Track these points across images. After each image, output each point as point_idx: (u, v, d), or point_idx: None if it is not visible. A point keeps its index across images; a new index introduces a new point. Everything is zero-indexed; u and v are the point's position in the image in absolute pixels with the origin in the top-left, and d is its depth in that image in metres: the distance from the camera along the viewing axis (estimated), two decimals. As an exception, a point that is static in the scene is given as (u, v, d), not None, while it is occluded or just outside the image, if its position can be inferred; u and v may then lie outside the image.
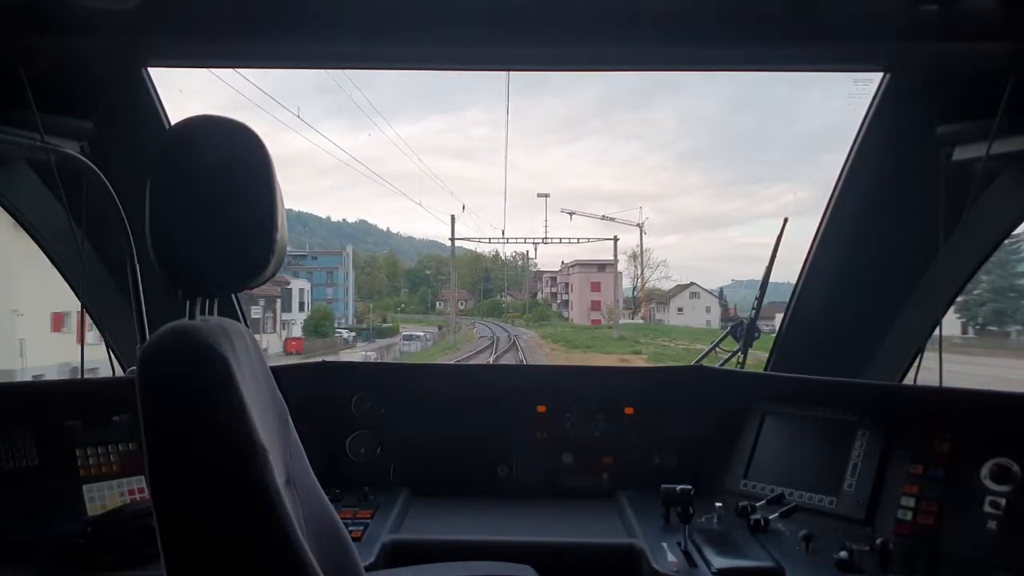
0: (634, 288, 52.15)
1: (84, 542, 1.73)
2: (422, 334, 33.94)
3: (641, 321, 45.80)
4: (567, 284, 58.28)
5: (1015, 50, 1.88)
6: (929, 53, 2.00)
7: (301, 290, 33.17)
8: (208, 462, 1.07)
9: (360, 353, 25.30)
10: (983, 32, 1.85)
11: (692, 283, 49.30)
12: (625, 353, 25.15)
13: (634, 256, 50.08)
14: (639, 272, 51.17)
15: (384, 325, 38.74)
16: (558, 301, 62.55)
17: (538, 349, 27.05)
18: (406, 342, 30.86)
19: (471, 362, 24.69)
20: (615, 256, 44.97)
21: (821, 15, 1.88)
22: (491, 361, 25.32)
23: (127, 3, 1.71)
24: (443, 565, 1.84)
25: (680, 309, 48.04)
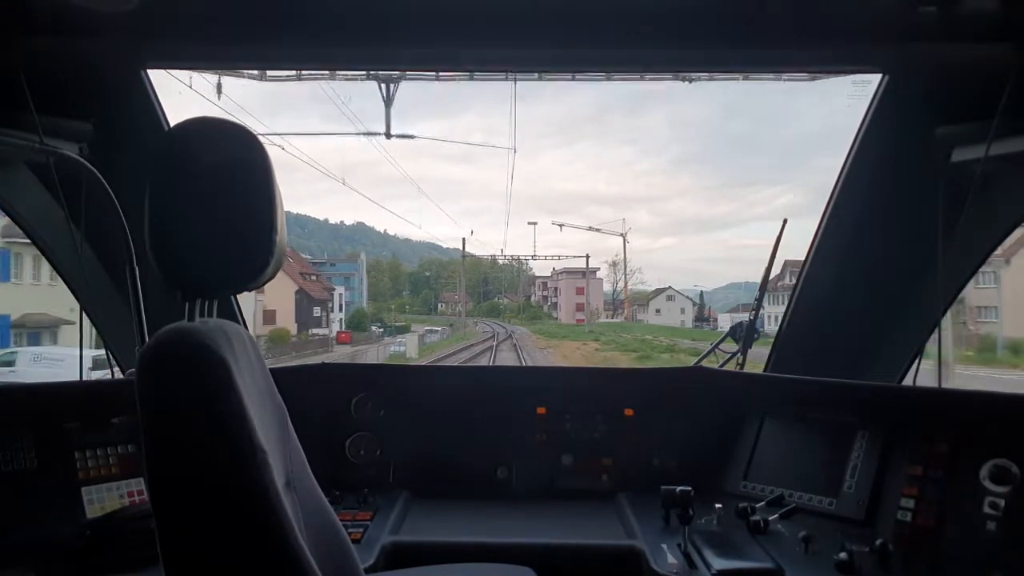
0: (614, 292, 63.75)
1: (83, 544, 1.73)
2: (440, 329, 44.40)
3: (619, 320, 55.18)
4: (556, 289, 68.10)
5: (1013, 51, 1.88)
6: (928, 55, 2.00)
7: (340, 294, 44.15)
8: (207, 464, 1.07)
9: (396, 342, 33.23)
10: (981, 34, 1.86)
11: (669, 287, 60.30)
12: (587, 340, 34.72)
13: (614, 264, 61.77)
14: (618, 278, 61.81)
15: (398, 324, 47.76)
16: (548, 303, 73.06)
17: (527, 338, 38.48)
18: (429, 335, 39.83)
19: (478, 348, 31.34)
20: (587, 267, 58.71)
21: (820, 18, 1.88)
22: (494, 346, 31.92)
23: (126, 5, 1.71)
24: (443, 567, 1.84)
25: (658, 310, 58.12)
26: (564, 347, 31.29)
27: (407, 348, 30.38)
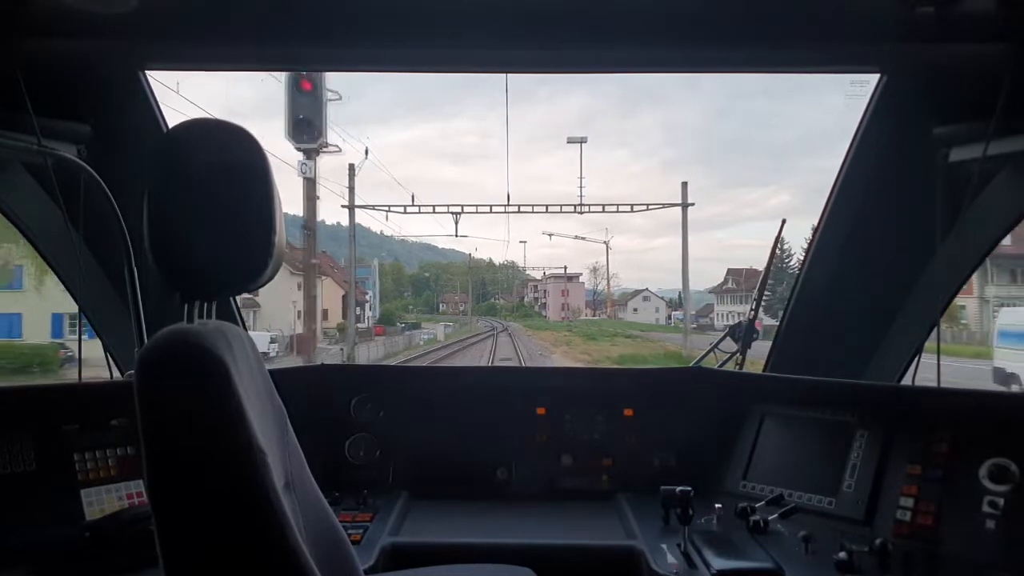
0: (594, 293, 79.62)
1: (82, 546, 1.72)
2: (451, 324, 58.26)
3: (599, 318, 69.00)
4: (545, 291, 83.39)
5: (1011, 51, 1.88)
6: (926, 55, 2.00)
7: (371, 296, 54.49)
8: (207, 466, 1.07)
9: (424, 332, 45.03)
10: (979, 33, 1.86)
11: (645, 288, 75.40)
12: (562, 331, 47.10)
13: (594, 269, 79.72)
14: (597, 282, 78.41)
15: (411, 321, 60.42)
16: (539, 304, 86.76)
17: (519, 331, 49.80)
18: (446, 327, 50.94)
19: (484, 335, 40.90)
20: (565, 274, 77.31)
21: (818, 17, 1.88)
22: (495, 335, 40.48)
23: (124, 6, 1.71)
24: (442, 568, 1.84)
25: (635, 309, 71.46)
26: (543, 335, 44.47)
27: (437, 334, 43.94)
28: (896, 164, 2.31)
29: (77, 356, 2.42)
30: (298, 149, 13.98)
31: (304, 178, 14.80)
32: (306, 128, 12.88)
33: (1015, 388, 12.68)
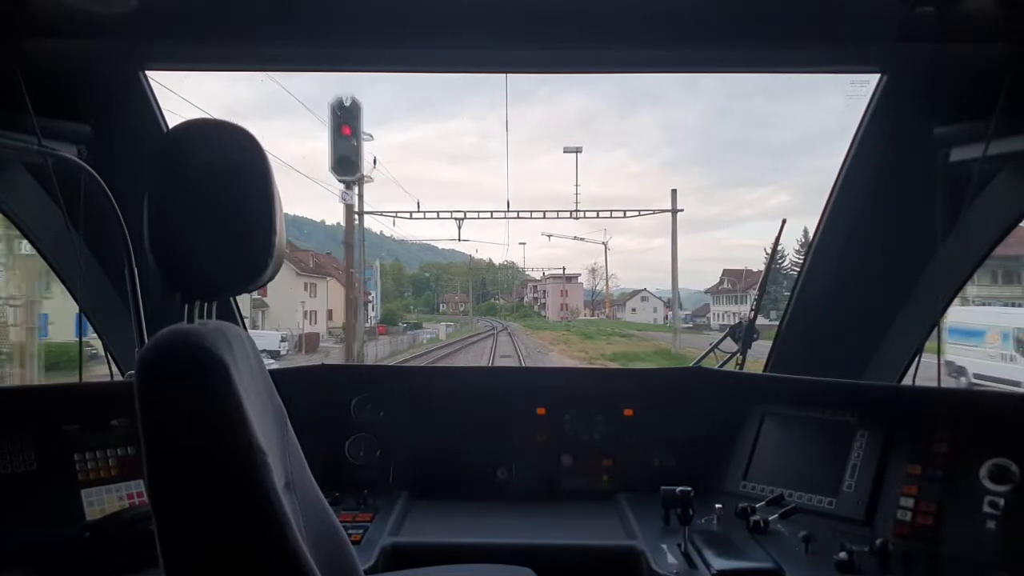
0: (593, 293, 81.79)
1: (83, 546, 1.73)
2: (452, 324, 60.06)
3: (597, 318, 70.76)
4: (544, 292, 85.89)
5: (1011, 51, 1.89)
6: (926, 54, 2.00)
7: (373, 297, 54.49)
8: (207, 466, 1.07)
9: (426, 332, 46.77)
10: (979, 33, 1.86)
11: (644, 289, 77.37)
12: (561, 331, 48.69)
13: (593, 270, 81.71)
14: (596, 282, 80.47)
15: (412, 321, 62.05)
16: (538, 304, 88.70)
17: (519, 330, 50.85)
18: (446, 327, 52.63)
19: (484, 334, 42.24)
20: (564, 275, 79.62)
21: (818, 17, 1.88)
22: (495, 335, 42.09)
23: (125, 6, 1.71)
24: (443, 568, 1.84)
25: (633, 309, 73.47)
26: (542, 334, 46.21)
27: (439, 333, 46.06)
28: (896, 164, 2.31)
29: (79, 356, 2.42)
30: (340, 181, 15.81)
31: (345, 204, 17.26)
32: (347, 164, 14.80)
33: (963, 380, 14.01)
